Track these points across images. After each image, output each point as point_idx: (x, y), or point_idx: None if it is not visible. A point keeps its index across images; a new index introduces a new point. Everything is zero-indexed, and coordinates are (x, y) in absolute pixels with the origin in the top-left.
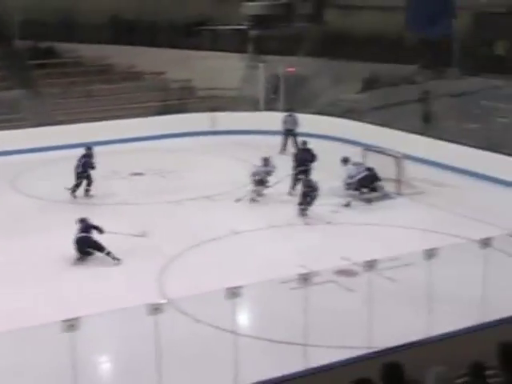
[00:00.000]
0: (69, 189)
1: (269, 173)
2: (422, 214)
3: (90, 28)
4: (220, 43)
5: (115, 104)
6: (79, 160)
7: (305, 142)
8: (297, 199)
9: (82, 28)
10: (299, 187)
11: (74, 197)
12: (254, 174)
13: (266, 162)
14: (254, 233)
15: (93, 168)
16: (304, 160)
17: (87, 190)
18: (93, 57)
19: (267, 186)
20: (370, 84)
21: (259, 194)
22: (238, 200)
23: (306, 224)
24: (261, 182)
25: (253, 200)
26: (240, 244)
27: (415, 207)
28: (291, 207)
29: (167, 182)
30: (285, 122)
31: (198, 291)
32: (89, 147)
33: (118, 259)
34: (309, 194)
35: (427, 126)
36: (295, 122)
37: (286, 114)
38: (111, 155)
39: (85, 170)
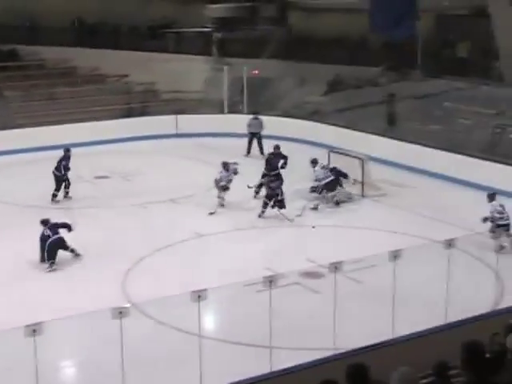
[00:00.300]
0: (67, 193)
1: (230, 178)
2: (386, 216)
3: (53, 31)
4: (184, 46)
5: (78, 107)
6: (59, 163)
7: (277, 146)
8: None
9: (45, 31)
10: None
11: (56, 202)
12: (218, 181)
13: (226, 166)
14: (219, 235)
15: (68, 169)
16: (276, 165)
17: (67, 193)
18: (56, 59)
19: (225, 190)
20: (334, 86)
21: (223, 201)
22: (211, 213)
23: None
24: (225, 188)
25: (221, 206)
26: (205, 247)
27: (379, 209)
28: (256, 210)
29: (131, 185)
30: (249, 125)
31: (163, 294)
32: (67, 149)
33: (79, 254)
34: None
35: (392, 127)
36: (260, 125)
37: (251, 116)
38: (75, 159)
39: (65, 173)
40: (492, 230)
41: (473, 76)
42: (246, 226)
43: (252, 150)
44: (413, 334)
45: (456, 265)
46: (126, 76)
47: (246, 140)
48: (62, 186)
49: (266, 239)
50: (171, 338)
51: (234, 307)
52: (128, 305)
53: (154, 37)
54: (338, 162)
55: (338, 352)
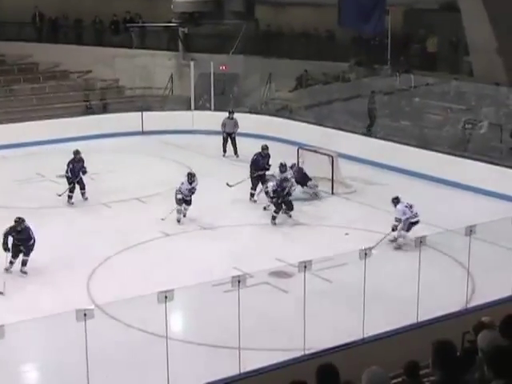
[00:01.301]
0: (60, 195)
1: (192, 191)
2: (356, 213)
3: (13, 25)
4: (149, 41)
5: (39, 104)
6: (68, 165)
7: (266, 147)
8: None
9: (4, 25)
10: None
11: (72, 203)
12: (177, 193)
13: (191, 178)
14: (185, 235)
15: (84, 173)
16: (263, 165)
17: (83, 194)
18: (15, 55)
19: (188, 205)
20: (302, 82)
21: (182, 213)
22: (162, 219)
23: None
24: (184, 202)
25: (178, 221)
26: (171, 246)
27: (349, 206)
28: (221, 208)
29: (95, 184)
30: (224, 124)
31: (129, 295)
32: (77, 151)
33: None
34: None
35: (372, 126)
36: (235, 125)
37: (226, 116)
38: (35, 157)
39: (76, 175)
40: (407, 229)
41: (442, 71)
42: (213, 224)
43: (227, 151)
44: (383, 333)
45: (427, 263)
46: (89, 72)
47: (214, 138)
48: (77, 187)
49: (233, 238)
50: (137, 340)
51: (201, 308)
52: (92, 306)
53: (118, 32)
54: (308, 159)
55: (307, 352)
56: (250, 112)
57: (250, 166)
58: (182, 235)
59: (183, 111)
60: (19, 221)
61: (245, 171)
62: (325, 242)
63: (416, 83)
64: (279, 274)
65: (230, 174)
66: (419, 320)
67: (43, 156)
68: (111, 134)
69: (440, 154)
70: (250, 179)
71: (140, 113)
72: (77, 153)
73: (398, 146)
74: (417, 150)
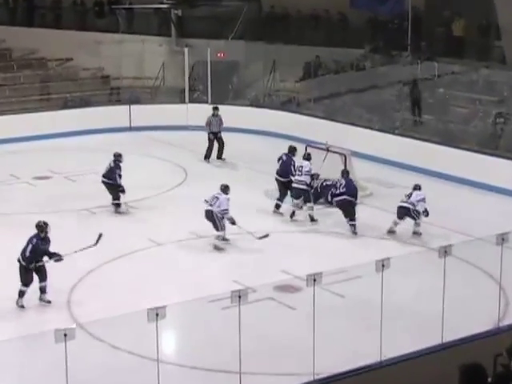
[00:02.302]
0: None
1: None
2: (373, 220)
3: None
4: (137, 25)
5: (12, 96)
6: (110, 171)
7: (294, 149)
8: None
9: None
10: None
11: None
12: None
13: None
14: (178, 244)
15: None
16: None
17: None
18: None
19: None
20: (311, 71)
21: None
22: None
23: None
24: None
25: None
26: (162, 257)
27: (364, 211)
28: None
29: (77, 186)
30: (209, 123)
31: (115, 313)
32: (120, 154)
33: None
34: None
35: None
36: (221, 122)
37: (211, 114)
38: (9, 156)
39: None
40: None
41: (470, 58)
42: (209, 232)
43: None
44: (403, 355)
45: (453, 275)
46: (70, 60)
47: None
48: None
49: (232, 248)
50: (125, 364)
51: (197, 326)
52: (74, 326)
53: (103, 14)
54: (317, 158)
55: (317, 378)
56: (252, 105)
57: (280, 170)
58: (174, 244)
59: (176, 104)
60: (44, 225)
61: (245, 171)
62: (336, 252)
63: (440, 72)
64: (285, 288)
65: (229, 175)
66: (444, 341)
67: (18, 155)
68: (95, 130)
69: (467, 152)
70: (278, 188)
71: (127, 106)
72: (119, 155)
73: (419, 143)
74: (441, 147)
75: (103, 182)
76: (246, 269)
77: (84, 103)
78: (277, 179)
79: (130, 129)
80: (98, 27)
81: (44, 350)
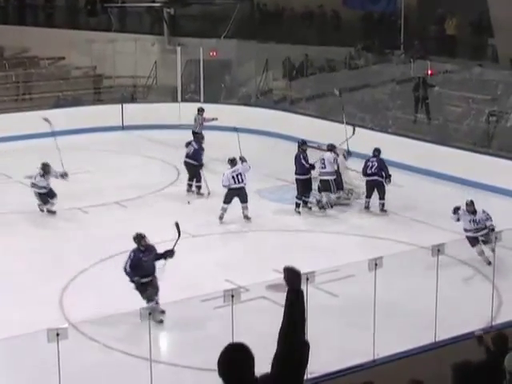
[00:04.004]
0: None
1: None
2: (365, 219)
3: None
4: (130, 23)
5: (4, 95)
6: (197, 151)
7: (303, 142)
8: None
9: None
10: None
11: (201, 194)
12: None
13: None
14: (171, 243)
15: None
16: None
17: (198, 188)
18: None
19: None
20: (303, 70)
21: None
22: None
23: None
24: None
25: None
26: None
27: (356, 211)
28: (212, 213)
29: (70, 185)
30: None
31: (108, 313)
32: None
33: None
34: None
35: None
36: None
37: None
38: (1, 155)
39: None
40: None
41: (463, 56)
42: (201, 231)
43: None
44: (396, 354)
45: (446, 274)
46: (62, 59)
47: (205, 134)
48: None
49: (225, 246)
50: (117, 363)
51: (189, 326)
52: (66, 325)
53: (95, 13)
54: (310, 158)
55: (310, 377)
56: (245, 104)
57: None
58: (166, 244)
59: (169, 103)
60: (140, 237)
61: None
62: (329, 251)
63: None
64: (278, 287)
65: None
66: (437, 339)
67: (9, 154)
68: (87, 129)
69: (460, 151)
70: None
71: (120, 105)
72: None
73: (411, 141)
74: (433, 146)
75: (186, 162)
76: (238, 268)
77: (76, 102)
78: (295, 179)
79: (123, 128)
80: (90, 26)
81: (36, 350)
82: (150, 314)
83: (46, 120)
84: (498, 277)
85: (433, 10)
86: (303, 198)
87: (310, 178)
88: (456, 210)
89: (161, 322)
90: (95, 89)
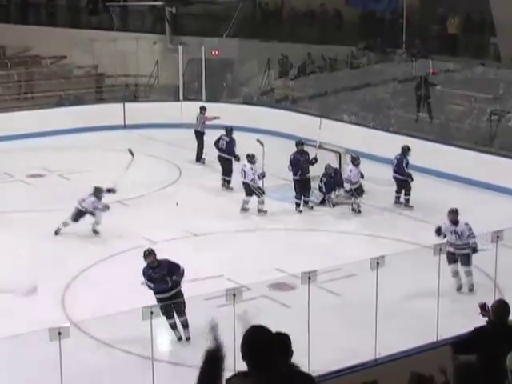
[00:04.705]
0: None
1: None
2: (367, 218)
3: None
4: (131, 22)
5: (6, 94)
6: (230, 143)
7: (301, 143)
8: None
9: None
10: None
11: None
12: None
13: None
14: (172, 242)
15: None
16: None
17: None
18: None
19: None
20: (305, 69)
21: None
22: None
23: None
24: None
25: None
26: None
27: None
28: (214, 211)
29: (71, 184)
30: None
31: (109, 311)
32: (231, 128)
33: None
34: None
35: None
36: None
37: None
38: (3, 154)
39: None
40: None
41: (465, 55)
42: (202, 230)
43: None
44: (398, 353)
45: (448, 273)
46: (64, 58)
47: (206, 132)
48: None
49: (226, 245)
50: (119, 362)
51: (191, 325)
52: (68, 324)
53: (96, 12)
54: (311, 156)
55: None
56: (246, 103)
57: (291, 168)
58: (167, 242)
59: (171, 102)
60: (148, 253)
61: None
62: (331, 250)
63: (435, 69)
64: (280, 286)
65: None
66: (439, 338)
67: (11, 153)
68: (89, 128)
69: (462, 150)
70: (294, 187)
71: (122, 104)
72: (231, 130)
73: (413, 140)
74: (435, 145)
75: (220, 157)
76: (240, 267)
77: (78, 101)
78: (293, 179)
79: (125, 127)
80: (92, 25)
81: (38, 349)
82: (151, 313)
83: (130, 152)
84: (500, 276)
85: (434, 8)
86: (303, 197)
87: (309, 178)
88: (438, 229)
89: (179, 339)
90: (97, 88)
